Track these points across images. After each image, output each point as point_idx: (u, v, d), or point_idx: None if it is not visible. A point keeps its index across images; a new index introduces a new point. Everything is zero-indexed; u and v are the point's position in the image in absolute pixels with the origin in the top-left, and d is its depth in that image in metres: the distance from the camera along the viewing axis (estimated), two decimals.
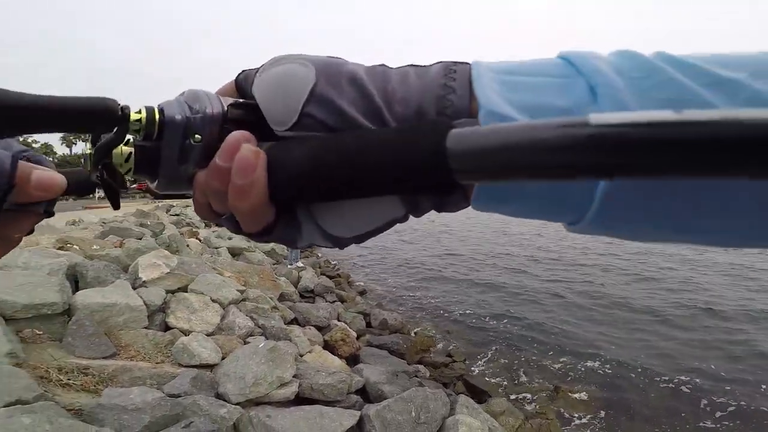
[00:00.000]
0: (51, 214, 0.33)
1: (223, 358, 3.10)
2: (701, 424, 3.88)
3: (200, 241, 8.80)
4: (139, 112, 0.28)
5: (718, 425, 3.87)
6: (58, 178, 0.29)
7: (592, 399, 4.28)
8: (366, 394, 3.54)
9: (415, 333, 6.03)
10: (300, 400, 2.97)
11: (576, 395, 4.33)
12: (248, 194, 0.26)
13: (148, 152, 0.29)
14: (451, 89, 0.28)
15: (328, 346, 4.76)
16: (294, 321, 5.41)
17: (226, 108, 0.30)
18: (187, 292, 4.26)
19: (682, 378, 4.67)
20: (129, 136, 0.29)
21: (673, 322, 6.52)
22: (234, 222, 0.30)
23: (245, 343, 3.60)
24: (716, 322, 6.46)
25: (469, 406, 3.49)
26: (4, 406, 1.69)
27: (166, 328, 3.57)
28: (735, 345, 5.55)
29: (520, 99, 0.25)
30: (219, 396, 2.59)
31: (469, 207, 0.29)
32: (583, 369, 4.93)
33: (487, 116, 0.24)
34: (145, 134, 0.28)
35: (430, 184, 0.24)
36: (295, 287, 7.51)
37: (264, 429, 2.36)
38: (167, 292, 4.05)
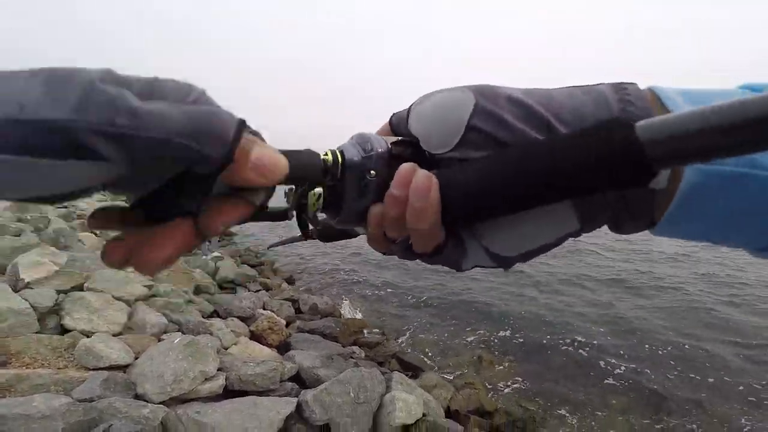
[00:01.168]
0: (265, 210, 0.29)
1: (136, 358, 2.79)
2: (612, 383, 4.32)
3: (96, 235, 7.75)
4: (326, 154, 0.31)
5: (621, 383, 4.37)
6: (282, 162, 0.25)
7: (515, 366, 4.60)
8: (302, 381, 3.43)
9: (349, 316, 5.98)
10: (230, 393, 2.79)
11: (499, 364, 4.62)
12: (426, 214, 0.28)
13: (335, 191, 0.32)
14: (629, 102, 0.28)
15: (255, 336, 4.52)
16: (215, 314, 5.07)
17: (390, 146, 0.33)
18: (83, 290, 3.82)
19: (601, 341, 5.20)
20: None
21: (592, 288, 7.29)
22: (406, 248, 0.33)
23: (160, 340, 3.25)
24: (628, 290, 7.38)
25: (404, 382, 3.57)
26: None
27: (64, 330, 3.16)
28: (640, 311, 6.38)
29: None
30: (138, 397, 2.35)
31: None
32: (503, 338, 5.29)
33: None
34: (331, 175, 0.31)
35: (626, 177, 0.23)
36: (213, 279, 7.04)
37: (196, 426, 2.16)
38: (59, 292, 3.56)
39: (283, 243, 0.67)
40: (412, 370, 4.24)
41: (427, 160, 0.31)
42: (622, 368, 4.53)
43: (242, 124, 0.22)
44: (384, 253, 0.38)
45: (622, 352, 4.87)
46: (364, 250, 11.25)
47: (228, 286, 7.05)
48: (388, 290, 7.37)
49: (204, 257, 8.33)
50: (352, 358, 4.22)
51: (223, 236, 13.33)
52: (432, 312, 6.16)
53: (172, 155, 0.20)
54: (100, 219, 0.26)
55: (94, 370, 2.52)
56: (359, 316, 6.05)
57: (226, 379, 2.81)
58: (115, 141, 0.18)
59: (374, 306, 6.50)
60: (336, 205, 0.33)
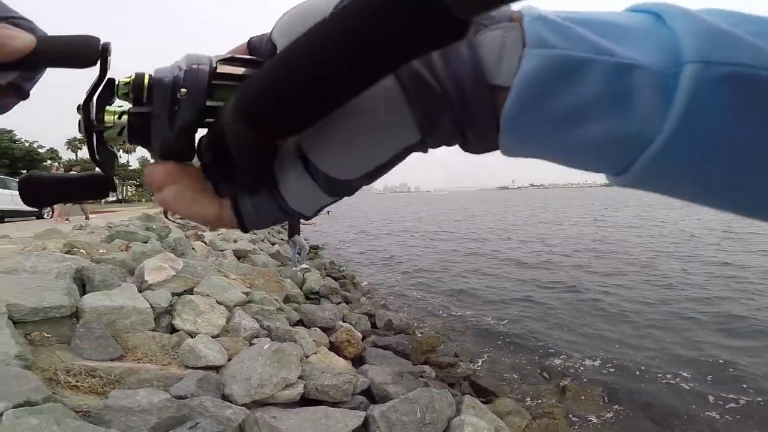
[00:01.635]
0: (23, 94, 0.29)
1: (229, 360, 3.10)
2: (709, 420, 3.82)
3: (206, 244, 8.85)
4: (129, 77, 0.28)
5: (725, 419, 3.81)
6: (22, 37, 0.24)
7: (600, 398, 4.24)
8: (371, 395, 3.52)
9: (420, 333, 6.01)
10: (305, 401, 2.97)
11: (584, 394, 4.29)
12: (168, 203, 0.28)
13: (140, 118, 0.28)
14: None
15: (333, 347, 4.75)
16: (299, 322, 5.42)
17: (215, 64, 0.28)
18: (192, 294, 4.28)
19: (688, 374, 4.62)
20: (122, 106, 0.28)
21: (677, 321, 6.44)
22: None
23: (251, 344, 3.60)
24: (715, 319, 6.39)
25: (475, 406, 3.46)
26: (13, 408, 1.71)
27: (173, 330, 3.59)
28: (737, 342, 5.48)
29: None
30: (225, 397, 2.59)
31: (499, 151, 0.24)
32: (590, 368, 4.89)
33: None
34: (134, 99, 0.28)
35: (425, 34, 0.18)
36: (300, 289, 7.52)
37: (269, 430, 2.36)
38: (173, 294, 4.07)
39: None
40: (486, 395, 4.11)
41: None
42: (719, 418, 3.94)
43: None
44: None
45: (721, 402, 4.22)
46: (442, 267, 11.20)
47: (313, 296, 7.50)
48: (467, 312, 7.24)
49: (294, 268, 8.99)
50: (422, 377, 4.23)
51: (311, 250, 14.28)
52: (512, 337, 5.91)
53: None
54: None
55: (192, 368, 2.86)
56: (434, 334, 6.03)
57: (304, 387, 3.01)
58: None
59: (450, 326, 6.44)
60: (144, 134, 0.28)
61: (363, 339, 5.46)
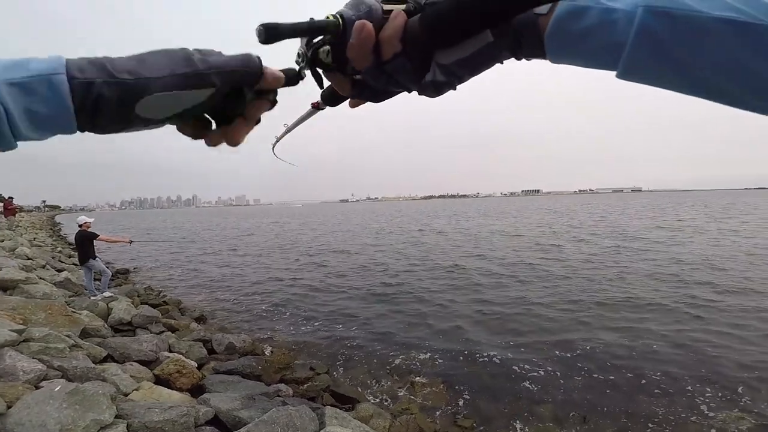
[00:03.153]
0: (275, 103, 0.49)
1: (9, 407, 2.17)
2: (532, 389, 4.49)
3: None
4: (327, 17, 0.40)
5: (543, 392, 4.55)
6: (281, 73, 0.46)
7: (446, 386, 4.54)
8: (222, 424, 2.98)
9: (270, 352, 5.45)
10: None
11: (431, 386, 4.54)
12: (363, 39, 0.39)
13: (339, 48, 0.41)
14: None
15: (160, 381, 3.89)
16: (109, 358, 4.29)
17: (381, 4, 0.40)
18: None
19: (516, 353, 5.39)
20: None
21: (507, 306, 7.60)
22: (374, 67, 0.42)
23: (37, 388, 2.60)
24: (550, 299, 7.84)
25: (338, 416, 3.31)
26: None
27: None
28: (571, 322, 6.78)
29: None
30: None
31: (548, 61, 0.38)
32: (429, 361, 5.23)
33: None
34: (336, 34, 0.40)
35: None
36: (105, 321, 6.06)
37: None
38: None
39: (294, 125, 0.71)
40: (347, 402, 3.94)
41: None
42: (540, 375, 4.75)
43: (260, 58, 0.44)
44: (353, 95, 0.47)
45: (536, 360, 5.12)
46: (283, 279, 10.65)
47: (124, 328, 6.09)
48: (313, 323, 6.96)
49: (92, 297, 7.18)
50: (278, 396, 3.80)
51: (118, 275, 11.69)
52: (361, 342, 5.91)
53: (239, 76, 0.43)
54: (190, 128, 0.47)
55: None
56: (286, 350, 5.57)
57: (128, 427, 2.32)
58: (219, 74, 0.42)
59: (300, 341, 6.04)
60: (342, 59, 0.42)
61: (200, 367, 4.65)
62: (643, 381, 4.57)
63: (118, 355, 4.43)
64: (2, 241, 13.22)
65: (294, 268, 13.14)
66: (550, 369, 4.94)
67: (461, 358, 5.33)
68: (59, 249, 16.65)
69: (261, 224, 45.66)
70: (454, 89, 0.42)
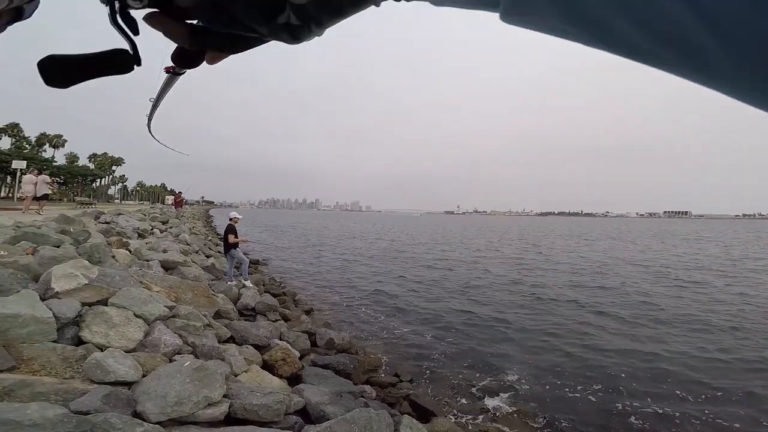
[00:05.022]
0: (23, 16, 0.35)
1: (144, 376, 2.75)
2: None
3: (130, 252, 8.06)
4: None
5: None
6: None
7: (533, 418, 4.28)
8: (307, 415, 3.29)
9: (362, 353, 5.79)
10: (232, 420, 2.69)
11: (518, 414, 4.31)
12: None
13: None
14: None
15: (267, 366, 4.43)
16: (230, 339, 5.03)
17: None
18: (107, 305, 3.87)
19: (621, 391, 4.82)
20: None
21: (614, 338, 6.81)
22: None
23: (171, 361, 3.23)
24: (652, 331, 6.85)
25: (413, 426, 3.36)
26: None
27: (80, 342, 3.19)
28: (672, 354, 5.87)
29: None
30: (137, 414, 2.29)
31: None
32: (525, 387, 4.96)
33: None
34: None
35: None
36: (234, 305, 7.07)
37: None
38: (83, 304, 3.64)
39: (159, 98, 0.65)
40: (425, 414, 3.99)
41: None
42: (648, 418, 4.17)
43: None
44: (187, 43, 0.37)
45: (649, 401, 4.49)
46: (388, 286, 11.11)
47: (248, 313, 7.06)
48: (408, 331, 7.15)
49: (229, 282, 8.45)
50: (362, 397, 4.03)
51: (250, 265, 13.57)
52: (452, 357, 5.89)
53: None
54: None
55: (99, 384, 2.51)
56: (377, 353, 5.84)
57: (230, 407, 2.72)
58: None
59: (392, 346, 6.29)
60: None
61: (302, 357, 5.16)
62: None
63: (238, 338, 5.16)
64: (171, 227, 16.38)
65: (405, 276, 13.54)
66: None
67: (557, 390, 4.93)
68: (210, 238, 19.94)
69: (381, 228, 47.85)
70: (319, 35, 0.35)
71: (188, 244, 12.94)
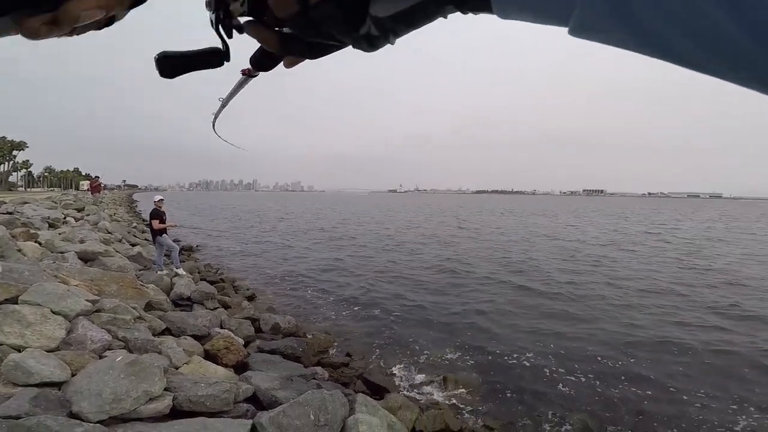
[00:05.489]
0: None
1: (73, 375, 2.49)
2: (582, 406, 4.33)
3: (40, 244, 7.19)
4: None
5: (579, 397, 4.41)
6: None
7: (478, 385, 4.53)
8: (259, 402, 3.20)
9: (311, 335, 5.73)
10: (179, 413, 2.54)
11: (464, 385, 4.53)
12: None
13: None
14: None
15: (209, 356, 4.23)
16: (166, 331, 4.73)
17: None
18: (17, 303, 3.46)
19: (564, 361, 5.25)
20: None
21: (559, 306, 7.39)
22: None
23: (101, 357, 2.95)
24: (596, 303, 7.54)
25: (368, 404, 3.41)
26: None
27: None
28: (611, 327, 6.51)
29: None
30: (73, 415, 2.10)
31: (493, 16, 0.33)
32: (468, 359, 5.23)
33: None
34: None
35: None
36: (167, 295, 6.64)
37: None
38: None
39: (229, 97, 0.67)
40: (378, 391, 4.07)
41: None
42: (579, 381, 4.62)
43: None
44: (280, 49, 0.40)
45: (577, 367, 4.98)
46: (335, 266, 11.04)
47: (183, 303, 6.66)
48: (355, 310, 7.19)
49: (159, 272, 7.88)
50: (314, 379, 4.01)
51: (182, 251, 12.74)
52: (399, 332, 6.04)
53: None
54: None
55: (24, 386, 2.24)
56: (325, 334, 5.81)
57: (174, 400, 2.57)
58: None
59: (340, 327, 6.29)
60: (261, 7, 0.36)
61: (246, 345, 4.99)
62: None
63: (175, 329, 4.86)
64: (88, 215, 14.83)
65: (343, 254, 13.51)
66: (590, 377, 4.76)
67: (500, 359, 5.26)
68: (134, 224, 18.38)
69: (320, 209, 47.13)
70: (392, 44, 0.39)
71: (109, 233, 11.83)
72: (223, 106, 0.71)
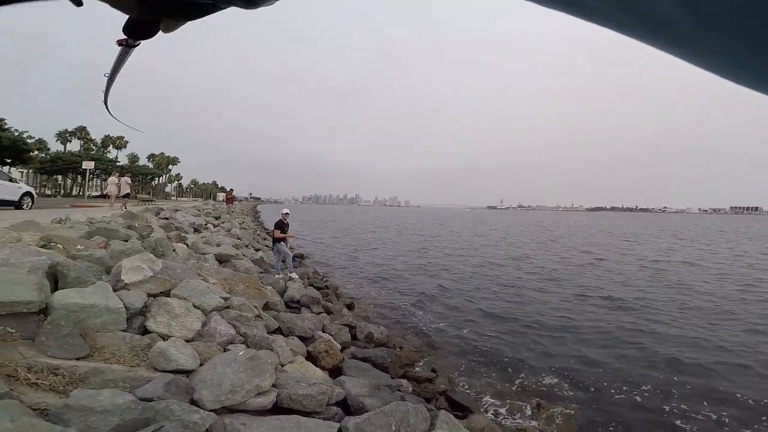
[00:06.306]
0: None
1: (201, 365, 3.01)
2: None
3: (188, 246, 8.69)
4: None
5: None
6: None
7: (573, 417, 4.24)
8: (347, 407, 3.46)
9: (400, 347, 5.95)
10: (278, 409, 2.90)
11: (558, 415, 4.28)
12: None
13: None
14: None
15: (311, 357, 4.68)
16: (278, 330, 5.34)
17: None
18: (169, 296, 4.19)
19: (665, 392, 4.67)
20: None
21: (659, 339, 6.52)
22: None
23: (225, 350, 3.52)
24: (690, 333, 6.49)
25: (449, 421, 3.43)
26: None
27: (145, 331, 3.49)
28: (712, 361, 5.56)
29: None
30: (193, 402, 2.51)
31: None
32: (566, 388, 4.90)
33: None
34: None
35: None
36: (281, 297, 7.43)
37: None
38: (149, 295, 3.97)
39: (113, 72, 0.64)
40: (462, 410, 4.07)
41: None
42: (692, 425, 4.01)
43: None
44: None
45: (691, 407, 4.32)
46: (428, 281, 11.18)
47: (293, 305, 7.41)
48: (446, 328, 7.22)
49: (276, 275, 8.89)
50: (399, 390, 4.18)
51: (295, 258, 14.15)
52: (491, 355, 5.91)
53: None
54: None
55: (162, 371, 2.77)
56: (414, 348, 5.97)
57: (277, 396, 2.94)
58: None
59: (430, 341, 6.40)
60: None
61: (342, 350, 5.39)
62: None
63: (285, 329, 5.47)
64: (223, 222, 17.35)
65: (446, 271, 13.55)
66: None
67: (606, 393, 4.83)
68: (258, 232, 20.90)
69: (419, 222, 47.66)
70: (270, 2, 0.34)
71: (239, 239, 13.65)
72: (110, 81, 0.68)
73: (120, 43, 0.47)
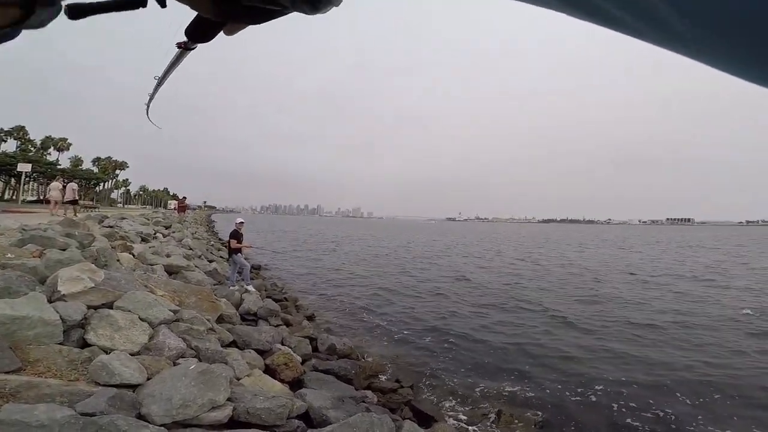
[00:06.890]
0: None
1: (148, 379, 2.79)
2: None
3: (134, 256, 8.13)
4: None
5: None
6: None
7: (534, 423, 4.29)
8: (309, 420, 3.32)
9: (364, 358, 5.82)
10: (235, 423, 2.72)
11: (518, 419, 4.33)
12: None
13: None
14: None
15: (269, 370, 4.46)
16: (233, 344, 5.07)
17: None
18: (112, 308, 3.93)
19: (615, 392, 4.84)
20: None
21: (624, 344, 6.81)
22: None
23: (175, 364, 3.27)
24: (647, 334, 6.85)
25: (414, 431, 3.38)
26: None
27: (85, 344, 3.23)
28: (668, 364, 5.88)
29: None
30: (141, 417, 2.31)
31: None
32: (525, 393, 4.98)
33: None
34: None
35: None
36: (236, 309, 7.12)
37: None
38: (89, 307, 3.69)
39: (165, 74, 0.63)
40: (426, 420, 4.01)
41: None
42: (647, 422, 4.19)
43: None
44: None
45: (649, 404, 4.52)
46: (391, 292, 11.11)
47: (250, 318, 7.10)
48: (410, 336, 7.17)
49: (231, 287, 8.50)
50: (364, 402, 4.06)
51: (251, 269, 13.64)
52: (454, 361, 5.92)
53: None
54: None
55: (104, 386, 2.54)
56: (378, 359, 5.86)
57: (233, 410, 2.76)
58: None
59: (393, 352, 6.31)
60: None
61: (303, 363, 5.19)
62: None
63: (240, 342, 5.20)
64: (174, 232, 16.46)
65: (406, 282, 13.56)
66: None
67: (563, 396, 4.95)
68: (212, 243, 20.01)
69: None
70: (336, 5, 0.35)
71: (191, 249, 13.00)
72: (159, 85, 0.67)
73: (179, 45, 0.48)
